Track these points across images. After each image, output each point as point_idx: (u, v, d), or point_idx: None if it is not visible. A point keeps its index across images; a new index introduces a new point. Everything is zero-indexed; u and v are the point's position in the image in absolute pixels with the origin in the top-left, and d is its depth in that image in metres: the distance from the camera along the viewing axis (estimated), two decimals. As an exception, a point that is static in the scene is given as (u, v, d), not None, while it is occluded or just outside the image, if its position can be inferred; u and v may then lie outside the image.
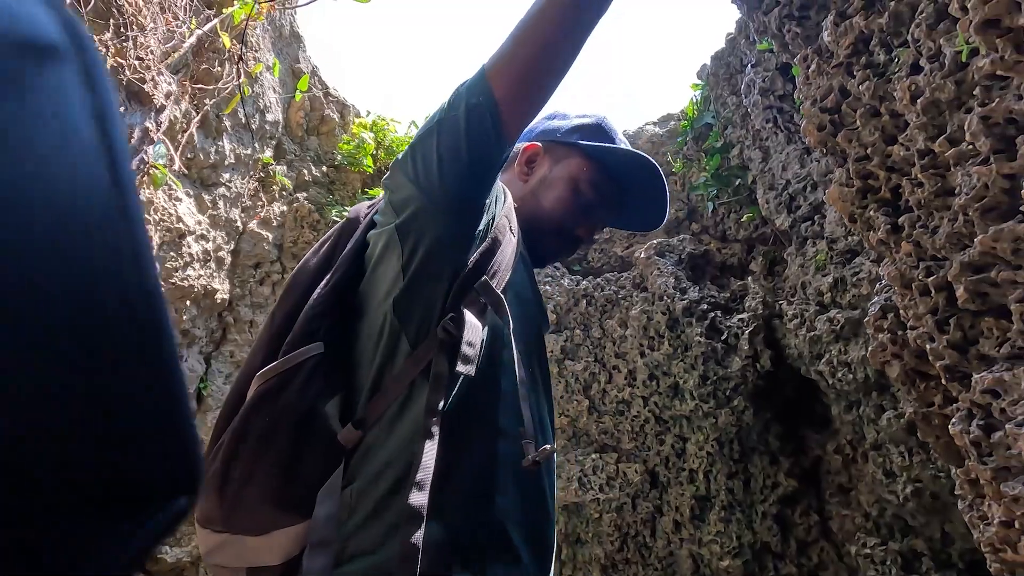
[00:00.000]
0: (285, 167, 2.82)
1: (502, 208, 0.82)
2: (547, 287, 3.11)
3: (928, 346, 0.97)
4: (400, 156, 0.81)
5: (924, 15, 0.98)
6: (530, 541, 0.73)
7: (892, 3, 1.10)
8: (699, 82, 3.27)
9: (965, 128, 0.85)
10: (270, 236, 2.66)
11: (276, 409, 0.73)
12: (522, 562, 0.70)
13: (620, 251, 3.39)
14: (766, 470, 2.45)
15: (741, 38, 2.86)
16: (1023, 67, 0.71)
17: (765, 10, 1.69)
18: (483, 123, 0.72)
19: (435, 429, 0.68)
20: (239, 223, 2.45)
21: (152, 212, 1.86)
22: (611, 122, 1.01)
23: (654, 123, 3.55)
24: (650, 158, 0.97)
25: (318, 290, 0.82)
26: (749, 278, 2.76)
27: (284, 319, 0.82)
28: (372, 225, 0.87)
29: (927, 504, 1.86)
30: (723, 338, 2.56)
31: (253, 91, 2.32)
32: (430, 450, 0.67)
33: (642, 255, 2.91)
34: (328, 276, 0.84)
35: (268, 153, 2.65)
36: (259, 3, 1.87)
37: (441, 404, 0.70)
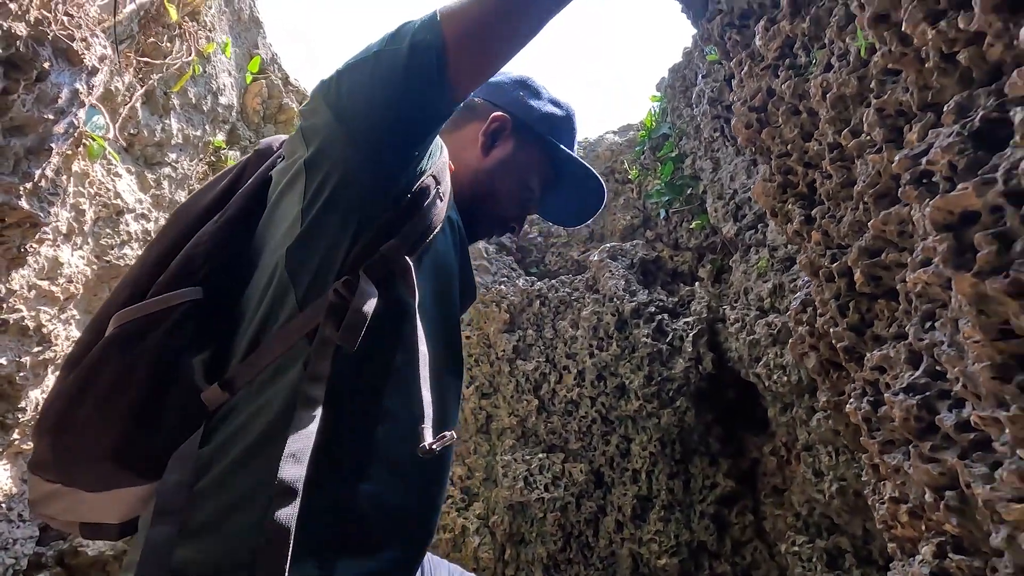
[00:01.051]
0: (239, 153, 2.77)
1: (432, 166, 0.72)
2: (502, 287, 3.12)
3: (832, 330, 1.01)
4: (321, 82, 0.69)
5: (836, 17, 1.04)
6: (401, 534, 0.65)
7: (813, 8, 1.16)
8: (658, 94, 3.36)
9: (864, 120, 0.90)
10: (218, 221, 2.60)
11: (134, 355, 0.64)
12: (382, 555, 0.62)
13: (576, 255, 3.44)
14: (706, 471, 2.50)
15: (696, 51, 2.96)
16: (908, 60, 0.76)
17: (709, 18, 1.76)
18: (427, 63, 0.64)
19: (319, 396, 0.60)
20: (185, 205, 2.39)
21: (87, 185, 1.81)
22: (576, 115, 0.97)
23: (614, 132, 3.63)
24: (597, 175, 0.95)
25: (206, 227, 0.71)
26: (697, 284, 2.83)
27: (159, 257, 0.71)
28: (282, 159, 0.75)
29: (850, 502, 1.92)
30: (668, 340, 2.61)
31: (205, 71, 2.29)
32: (312, 417, 0.59)
33: (595, 258, 2.95)
34: (220, 212, 0.73)
35: (220, 137, 2.61)
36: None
37: (326, 373, 0.61)
